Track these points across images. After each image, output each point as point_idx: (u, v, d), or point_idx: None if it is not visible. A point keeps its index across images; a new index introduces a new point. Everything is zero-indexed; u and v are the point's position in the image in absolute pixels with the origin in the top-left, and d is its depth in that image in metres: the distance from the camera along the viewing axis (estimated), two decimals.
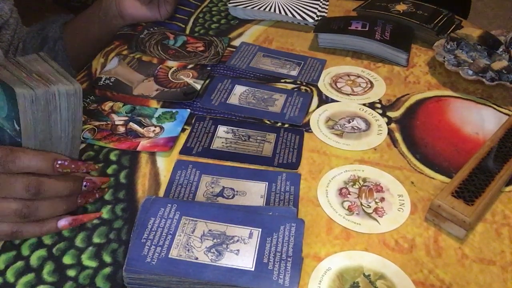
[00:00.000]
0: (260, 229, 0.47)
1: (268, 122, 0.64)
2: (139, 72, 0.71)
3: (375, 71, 0.74)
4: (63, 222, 0.46)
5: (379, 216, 0.51)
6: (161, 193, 0.53)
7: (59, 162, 0.44)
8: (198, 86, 0.69)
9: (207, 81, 0.70)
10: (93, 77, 0.70)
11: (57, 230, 0.47)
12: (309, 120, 0.64)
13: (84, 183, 0.48)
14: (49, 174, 0.44)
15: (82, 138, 0.59)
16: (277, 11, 0.85)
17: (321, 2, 0.90)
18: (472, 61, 0.71)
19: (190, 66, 0.74)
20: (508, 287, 0.45)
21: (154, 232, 0.46)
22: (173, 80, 0.70)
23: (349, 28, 0.78)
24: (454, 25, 0.81)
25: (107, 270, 0.45)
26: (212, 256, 0.44)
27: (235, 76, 0.72)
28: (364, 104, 0.67)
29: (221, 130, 0.61)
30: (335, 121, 0.64)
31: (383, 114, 0.65)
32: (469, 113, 0.66)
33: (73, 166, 0.45)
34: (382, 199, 0.53)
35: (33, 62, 0.46)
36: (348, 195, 0.53)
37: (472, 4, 1.21)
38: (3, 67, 0.44)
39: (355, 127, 0.63)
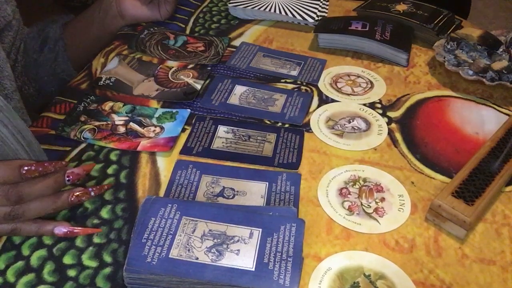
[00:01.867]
0: (261, 229, 0.47)
1: (268, 122, 0.64)
2: (139, 72, 0.71)
3: (375, 71, 0.74)
4: (58, 230, 0.46)
5: (379, 216, 0.51)
6: (162, 193, 0.53)
7: (25, 168, 0.43)
8: (198, 86, 0.69)
9: (207, 81, 0.70)
10: (93, 77, 0.70)
11: (52, 234, 0.47)
12: (309, 120, 0.64)
13: (67, 178, 0.47)
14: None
15: (82, 138, 0.59)
16: (277, 11, 0.85)
17: (321, 2, 0.90)
18: (472, 61, 0.71)
19: (190, 66, 0.74)
20: (508, 287, 0.45)
21: (154, 232, 0.46)
22: (173, 80, 0.70)
23: (349, 28, 0.78)
24: (454, 25, 0.81)
25: (107, 270, 0.45)
26: (212, 256, 0.44)
27: (235, 76, 0.72)
28: (364, 104, 0.67)
29: (221, 130, 0.61)
30: (335, 121, 0.64)
31: (383, 114, 0.65)
32: (469, 113, 0.66)
33: (40, 169, 0.44)
34: (383, 199, 0.53)
35: None
36: (349, 195, 0.53)
37: (472, 4, 1.21)
38: None
39: (355, 127, 0.63)
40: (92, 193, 0.49)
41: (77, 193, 0.47)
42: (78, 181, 0.48)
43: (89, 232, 0.48)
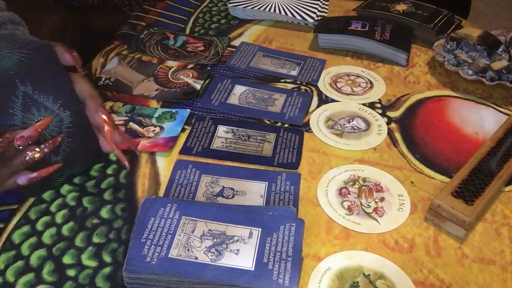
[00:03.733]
0: (260, 229, 0.47)
1: (268, 122, 0.64)
2: (139, 72, 0.71)
3: (375, 71, 0.74)
4: (21, 180, 0.46)
5: (379, 216, 0.51)
6: (161, 193, 0.53)
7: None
8: (198, 86, 0.69)
9: (207, 81, 0.70)
10: (93, 77, 0.71)
11: (16, 185, 0.46)
12: (309, 120, 0.64)
13: (16, 144, 0.44)
14: None
15: None
16: (277, 11, 0.85)
17: (321, 2, 0.90)
18: (472, 61, 0.71)
19: (190, 66, 0.74)
20: (508, 287, 0.45)
21: (154, 232, 0.46)
22: (173, 80, 0.70)
23: (349, 28, 0.78)
24: (454, 25, 0.81)
25: (107, 270, 0.45)
26: (212, 256, 0.44)
27: (235, 76, 0.72)
28: (364, 104, 0.67)
29: (221, 130, 0.61)
30: (335, 121, 0.64)
31: (383, 114, 0.65)
32: (469, 113, 0.66)
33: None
34: (382, 199, 0.53)
35: None
36: (348, 195, 0.53)
37: (472, 4, 1.21)
38: None
39: (355, 127, 0.63)
40: (46, 150, 0.46)
41: (29, 153, 0.45)
42: (32, 141, 0.46)
43: (50, 170, 0.47)
